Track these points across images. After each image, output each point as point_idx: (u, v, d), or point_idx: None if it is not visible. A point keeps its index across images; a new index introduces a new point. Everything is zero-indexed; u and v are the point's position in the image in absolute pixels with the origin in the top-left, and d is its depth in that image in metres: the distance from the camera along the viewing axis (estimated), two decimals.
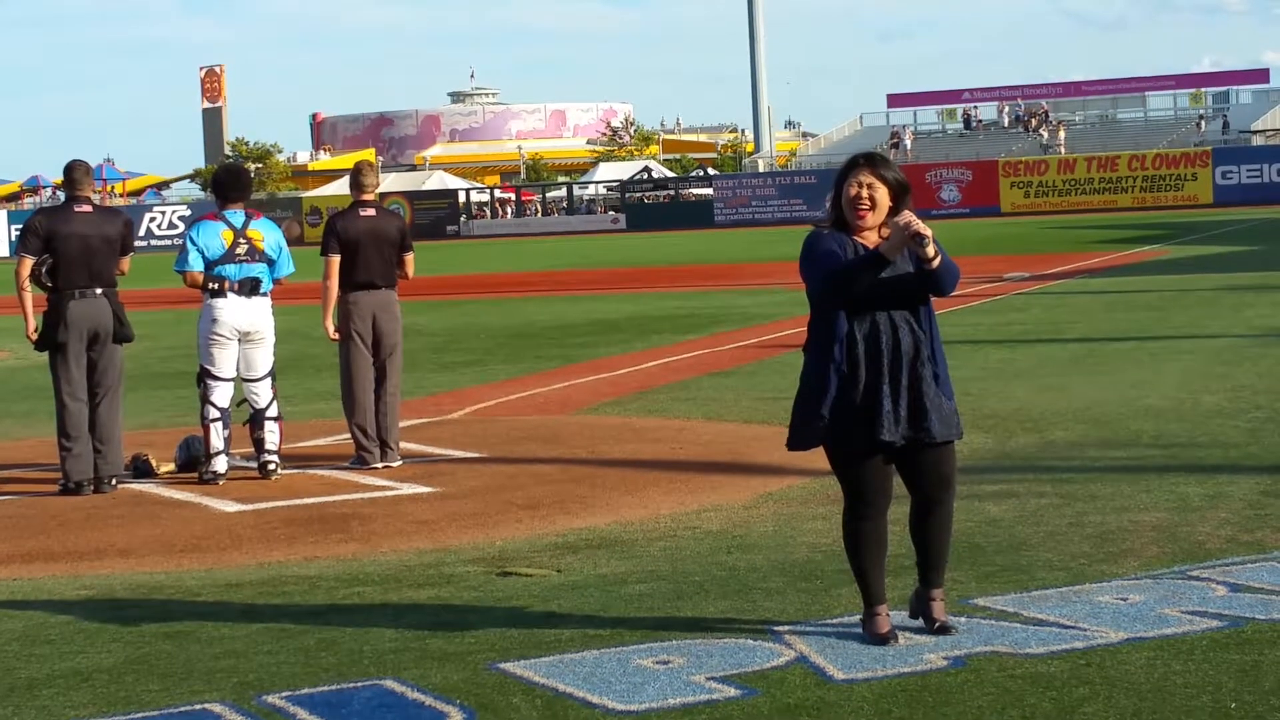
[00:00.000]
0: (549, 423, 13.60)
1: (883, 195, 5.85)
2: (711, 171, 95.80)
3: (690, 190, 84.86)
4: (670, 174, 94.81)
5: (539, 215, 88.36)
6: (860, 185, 5.88)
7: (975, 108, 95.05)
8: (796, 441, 5.93)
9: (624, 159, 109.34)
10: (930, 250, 5.72)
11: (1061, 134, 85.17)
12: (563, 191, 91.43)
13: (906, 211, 5.78)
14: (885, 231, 5.91)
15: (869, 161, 5.94)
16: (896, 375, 5.81)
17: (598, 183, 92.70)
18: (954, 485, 6.03)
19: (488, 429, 13.31)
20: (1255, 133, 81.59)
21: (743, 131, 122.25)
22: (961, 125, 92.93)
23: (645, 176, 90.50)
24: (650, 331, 22.90)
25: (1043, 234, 52.64)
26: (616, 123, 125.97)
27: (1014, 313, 23.11)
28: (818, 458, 6.54)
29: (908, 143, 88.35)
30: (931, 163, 79.37)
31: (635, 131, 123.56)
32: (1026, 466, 10.33)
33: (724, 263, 44.51)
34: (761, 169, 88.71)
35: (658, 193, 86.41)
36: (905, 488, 6.09)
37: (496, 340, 22.58)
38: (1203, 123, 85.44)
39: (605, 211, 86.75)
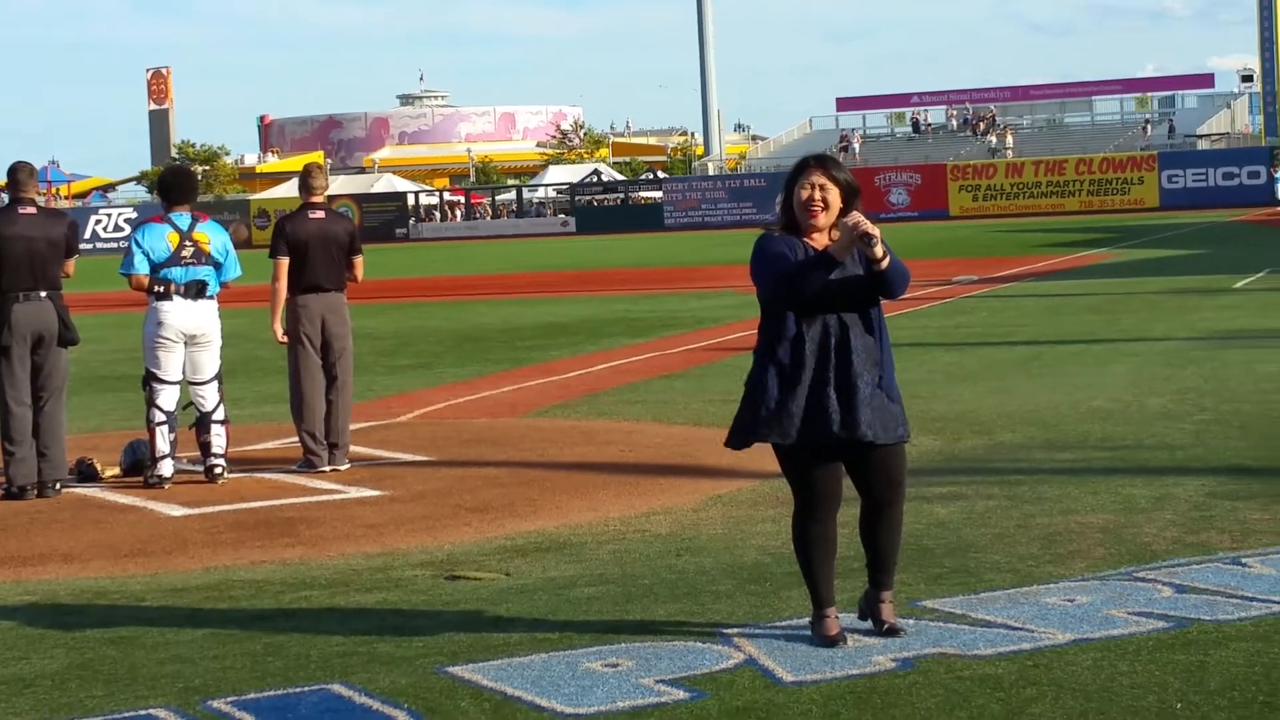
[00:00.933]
0: (498, 426, 13.52)
1: (834, 196, 5.81)
2: (661, 174, 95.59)
3: (640, 193, 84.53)
4: (620, 177, 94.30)
5: (488, 218, 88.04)
6: (812, 186, 5.84)
7: (924, 111, 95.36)
8: (737, 439, 5.91)
9: (574, 162, 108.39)
10: (879, 250, 5.68)
11: (1009, 138, 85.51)
12: (512, 194, 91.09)
13: (855, 212, 5.76)
14: (835, 234, 5.88)
15: (820, 163, 5.89)
16: (844, 376, 5.77)
17: (547, 185, 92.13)
18: (903, 488, 6.01)
19: (436, 432, 13.23)
20: (1200, 137, 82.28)
21: (692, 135, 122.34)
22: (910, 129, 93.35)
23: (595, 179, 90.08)
24: (600, 334, 22.76)
25: (991, 237, 52.88)
26: (566, 125, 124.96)
27: (962, 316, 23.07)
28: (768, 460, 6.52)
29: (856, 146, 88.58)
30: (880, 166, 79.27)
31: (585, 134, 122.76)
32: (975, 469, 10.32)
33: (674, 265, 44.21)
34: (711, 172, 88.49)
35: (607, 196, 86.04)
36: (855, 490, 6.06)
37: (444, 344, 22.42)
38: (1149, 127, 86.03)
39: (555, 214, 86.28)
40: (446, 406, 15.18)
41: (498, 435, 12.83)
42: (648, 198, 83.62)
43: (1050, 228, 57.93)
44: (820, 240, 5.83)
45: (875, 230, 5.70)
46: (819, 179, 5.85)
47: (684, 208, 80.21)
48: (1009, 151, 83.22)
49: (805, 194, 5.85)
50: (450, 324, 26.53)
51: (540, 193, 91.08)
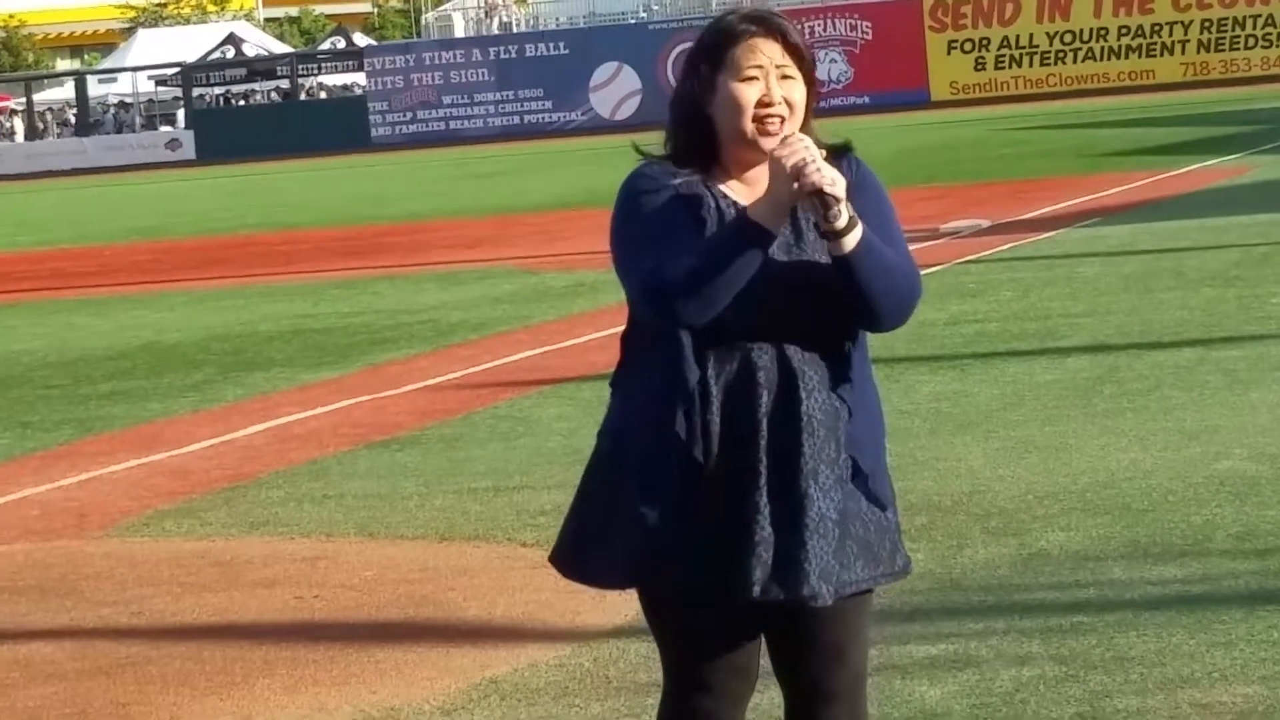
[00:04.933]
0: (56, 556, 9.39)
1: (799, 94, 4.05)
2: (363, 40, 61.03)
3: (320, 78, 55.72)
4: (281, 47, 62.03)
5: (18, 138, 55.49)
6: (762, 75, 4.02)
7: None
8: (572, 561, 4.25)
9: (184, 21, 69.86)
10: (840, 219, 3.91)
11: None
12: (67, 91, 57.24)
13: (796, 138, 3.95)
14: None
15: (767, 26, 4.07)
16: (783, 471, 4.08)
17: (136, 71, 56.92)
18: (864, 669, 4.31)
19: None
20: None
21: None
22: None
23: (229, 56, 56.83)
24: (249, 364, 15.10)
25: (1008, 141, 36.07)
26: None
27: (961, 300, 16.02)
28: (606, 604, 6.08)
29: None
30: (791, 8, 46.36)
31: None
32: (993, 604, 7.36)
33: (395, 221, 29.01)
34: (460, 32, 56.01)
35: (254, 86, 55.32)
36: (773, 669, 4.32)
37: None
38: None
39: (152, 126, 55.31)
40: None
41: (56, 576, 8.88)
42: (336, 87, 55.91)
43: (1125, 116, 38.64)
44: (752, 183, 4.08)
45: (834, 182, 3.88)
46: (773, 55, 4.04)
47: (408, 104, 51.92)
48: None
49: (752, 92, 4.04)
50: None
51: (122, 85, 57.69)
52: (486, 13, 56.14)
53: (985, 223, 21.04)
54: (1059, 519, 8.49)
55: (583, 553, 4.24)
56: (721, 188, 4.09)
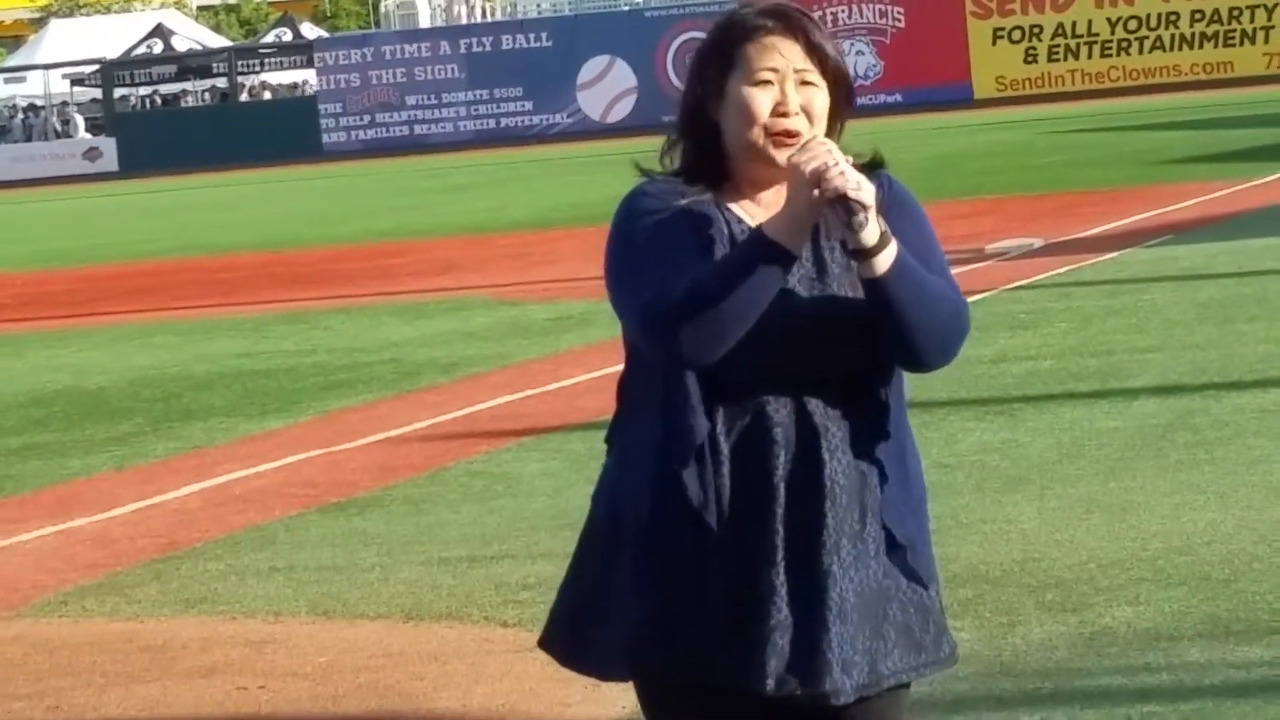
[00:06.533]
0: None
1: (821, 101, 3.84)
2: (313, 33, 55.42)
3: (263, 76, 50.61)
4: (216, 42, 56.47)
5: None
6: (778, 78, 3.84)
7: None
8: (563, 646, 4.12)
9: (104, 10, 63.33)
10: (866, 232, 3.73)
11: None
12: None
13: (818, 141, 3.77)
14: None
15: (788, 23, 3.86)
16: (803, 542, 3.93)
17: (49, 69, 51.23)
18: None
19: None
20: None
21: None
22: None
23: (156, 51, 51.47)
24: (185, 413, 14.24)
25: (1063, 146, 33.59)
26: None
27: (1010, 333, 15.35)
28: (593, 691, 5.99)
29: None
30: None
31: None
32: (1051, 694, 7.03)
33: (349, 243, 27.46)
34: (425, 22, 52.66)
35: (187, 86, 50.44)
36: None
37: None
38: None
39: (69, 134, 50.67)
40: None
41: None
42: (282, 86, 51.11)
43: (1200, 117, 35.80)
44: (766, 203, 3.93)
45: (860, 186, 3.71)
46: (792, 56, 3.85)
47: (364, 106, 47.52)
48: None
49: (765, 99, 3.86)
50: None
51: (32, 85, 51.71)
52: None
53: (1037, 242, 20.03)
54: (1126, 591, 8.10)
55: (576, 635, 4.11)
56: (734, 208, 3.92)
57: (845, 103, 3.99)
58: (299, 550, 9.67)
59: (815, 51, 3.91)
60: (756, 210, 3.92)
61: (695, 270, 3.88)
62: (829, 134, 3.95)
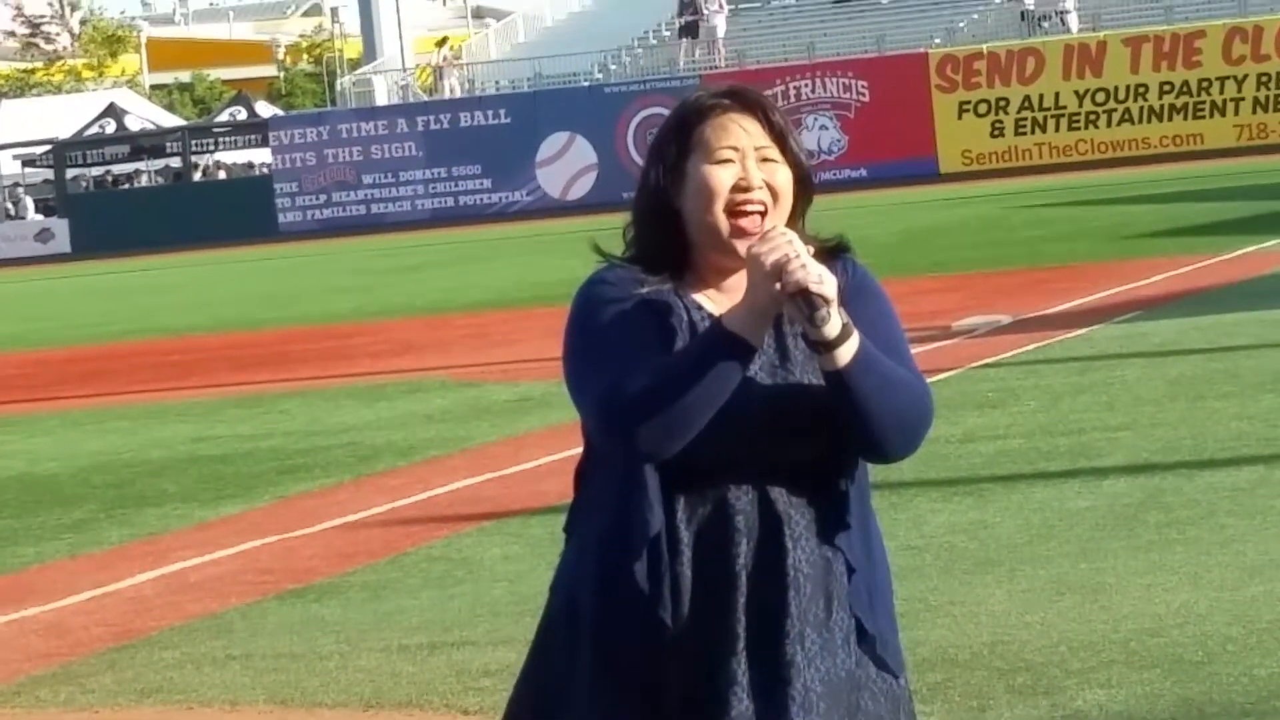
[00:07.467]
0: None
1: (784, 181, 3.74)
2: (268, 111, 54.97)
3: (219, 154, 50.02)
4: (171, 120, 56.54)
5: None
6: (739, 157, 3.75)
7: None
8: None
9: (55, 90, 64.02)
10: (827, 326, 3.65)
11: None
12: None
13: (778, 232, 3.67)
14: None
15: (745, 102, 3.80)
16: (766, 635, 3.86)
17: None
18: None
19: None
20: None
21: (336, 14, 69.38)
22: None
23: (109, 130, 50.67)
24: (139, 499, 14.04)
25: (1030, 221, 33.28)
26: (39, 7, 72.06)
27: (977, 412, 15.13)
28: None
29: (718, 23, 48.28)
30: (774, 66, 43.66)
31: (87, 27, 71.80)
32: None
33: (305, 324, 27.24)
34: (382, 99, 50.64)
35: (140, 166, 49.74)
36: None
37: None
38: None
39: (20, 215, 50.13)
40: None
41: None
42: (237, 165, 50.75)
43: (1169, 190, 35.11)
44: (733, 294, 3.83)
45: (821, 279, 3.63)
46: (751, 133, 3.77)
47: (320, 185, 46.83)
48: (1068, 18, 45.63)
49: (726, 175, 3.77)
50: None
51: None
52: (437, 74, 51.31)
53: (1005, 319, 19.78)
54: (1098, 674, 7.88)
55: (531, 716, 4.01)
56: (696, 297, 3.82)
57: (805, 189, 3.92)
58: (256, 638, 9.43)
59: (774, 129, 3.84)
60: (720, 297, 3.83)
61: (653, 363, 3.80)
62: (790, 220, 3.87)
